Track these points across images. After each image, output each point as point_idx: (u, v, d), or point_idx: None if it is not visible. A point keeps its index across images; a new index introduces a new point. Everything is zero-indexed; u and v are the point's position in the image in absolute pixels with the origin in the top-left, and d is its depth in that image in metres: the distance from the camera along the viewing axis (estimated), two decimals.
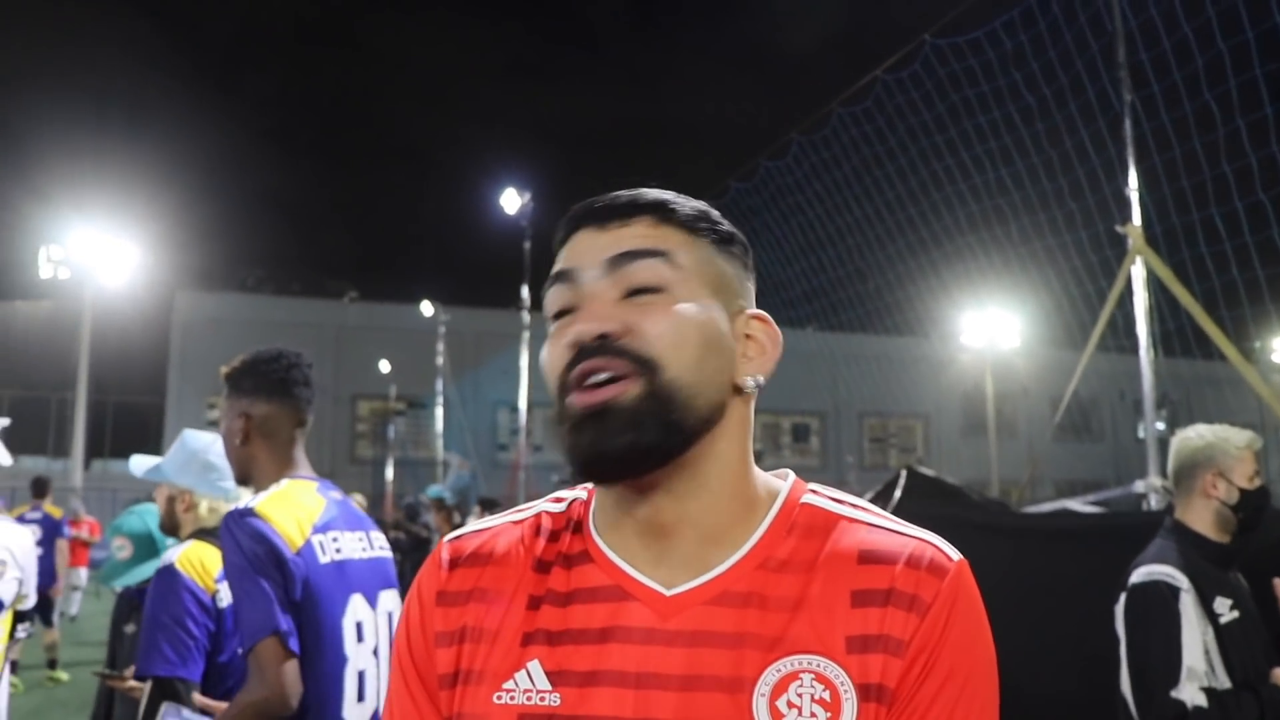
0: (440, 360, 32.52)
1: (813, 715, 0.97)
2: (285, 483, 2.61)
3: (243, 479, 2.72)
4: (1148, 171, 6.23)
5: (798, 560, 1.05)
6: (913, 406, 39.40)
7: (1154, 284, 5.95)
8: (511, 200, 21.97)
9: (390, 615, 2.67)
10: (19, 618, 4.19)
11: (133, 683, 3.00)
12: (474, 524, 1.19)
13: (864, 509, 1.11)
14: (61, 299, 30.85)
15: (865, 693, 0.98)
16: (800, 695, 0.98)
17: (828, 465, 40.58)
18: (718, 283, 1.10)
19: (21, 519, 11.06)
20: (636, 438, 1.00)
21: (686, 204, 1.12)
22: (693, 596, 1.04)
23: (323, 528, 2.53)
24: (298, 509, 2.52)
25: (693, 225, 1.10)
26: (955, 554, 1.06)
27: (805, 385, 35.45)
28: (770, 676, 0.98)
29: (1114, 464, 34.09)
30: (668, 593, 1.04)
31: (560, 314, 1.09)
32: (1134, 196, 5.99)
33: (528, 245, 21.64)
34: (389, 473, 33.68)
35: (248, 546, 2.37)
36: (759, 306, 1.16)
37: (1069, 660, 4.15)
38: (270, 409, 2.68)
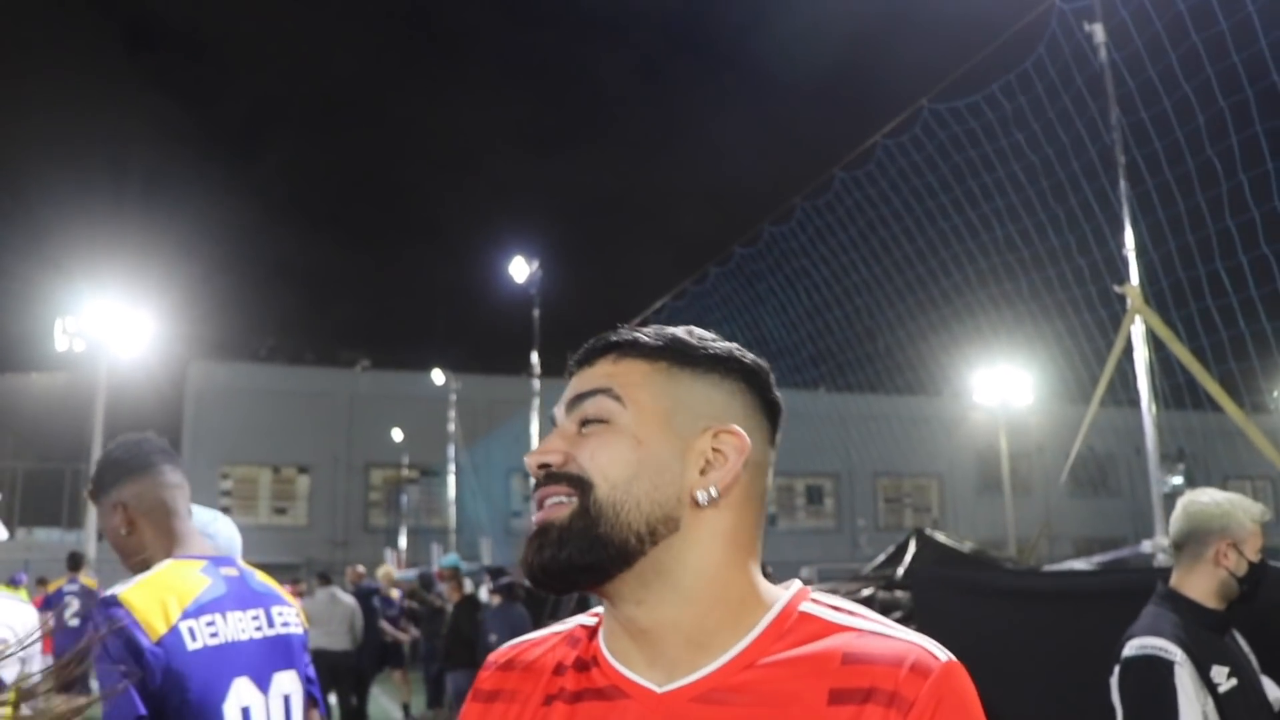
0: (452, 428, 32.55)
1: None
2: (166, 564, 2.55)
3: (141, 566, 2.61)
4: (1152, 226, 6.27)
5: (782, 661, 1.11)
6: (926, 466, 39.20)
7: (1155, 341, 5.96)
8: (520, 269, 22.09)
9: (287, 698, 2.59)
10: (25, 696, 4.16)
11: None
12: (524, 636, 1.35)
13: (861, 616, 1.16)
14: (76, 371, 31.00)
15: None
16: None
17: (842, 526, 40.34)
18: (673, 406, 1.18)
19: (60, 593, 11.16)
20: (557, 553, 1.12)
21: (656, 337, 1.22)
22: (681, 694, 1.13)
23: (196, 611, 2.46)
24: (168, 593, 2.45)
25: (656, 354, 1.20)
26: (944, 654, 1.09)
27: (817, 447, 35.28)
28: None
29: (1132, 520, 33.77)
30: (659, 690, 1.14)
31: None
32: (1131, 257, 6.03)
33: (536, 313, 21.73)
34: (402, 541, 33.57)
35: (108, 639, 2.32)
36: (775, 373, 1.25)
37: None
38: (138, 486, 2.64)
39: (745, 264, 11.34)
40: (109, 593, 2.42)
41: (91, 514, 24.32)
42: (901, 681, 1.05)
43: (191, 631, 2.41)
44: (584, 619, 1.29)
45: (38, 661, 4.13)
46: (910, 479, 42.11)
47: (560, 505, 1.13)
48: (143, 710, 2.27)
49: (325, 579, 13.13)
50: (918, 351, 11.48)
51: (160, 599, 2.41)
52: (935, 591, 5.57)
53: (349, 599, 12.35)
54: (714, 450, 1.16)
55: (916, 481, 42.35)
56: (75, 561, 11.76)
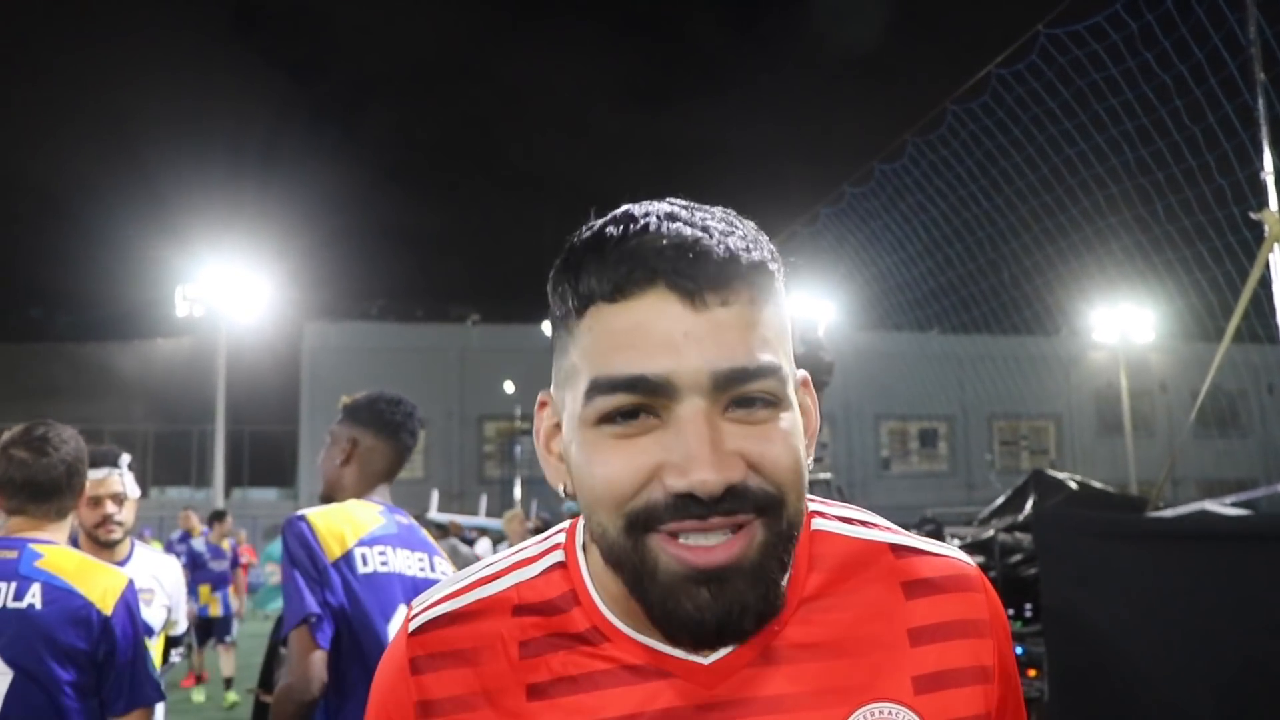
0: None
1: None
2: (350, 501, 2.90)
3: (328, 495, 3.00)
4: None
5: (832, 600, 0.97)
6: (1044, 407, 38.35)
7: None
8: None
9: None
10: (172, 643, 4.38)
11: None
12: (434, 604, 1.02)
13: (875, 525, 1.04)
14: (198, 335, 32.00)
15: None
16: None
17: (957, 470, 39.76)
18: (791, 355, 0.91)
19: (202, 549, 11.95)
20: (765, 592, 0.87)
21: (764, 247, 0.89)
22: (734, 660, 0.93)
23: (370, 541, 2.78)
24: (346, 522, 2.78)
25: (780, 289, 0.90)
26: (970, 560, 1.03)
27: (932, 389, 34.74)
28: None
29: (1264, 462, 32.61)
30: (706, 661, 0.92)
31: (620, 415, 0.85)
32: (1270, 180, 5.69)
33: None
34: (517, 491, 34.09)
35: (292, 546, 2.68)
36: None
37: (1203, 673, 3.93)
38: (376, 444, 3.00)
39: (856, 203, 11.15)
40: (298, 512, 2.77)
41: (218, 473, 25.21)
42: (970, 605, 0.98)
43: (364, 557, 2.74)
44: (519, 575, 1.01)
45: (184, 608, 4.41)
46: (1027, 421, 41.23)
47: (739, 540, 0.84)
48: (314, 608, 2.60)
49: (445, 531, 13.48)
50: (1035, 288, 11.20)
51: (339, 526, 2.76)
52: (1061, 534, 5.40)
53: (468, 550, 12.69)
54: (802, 408, 0.93)
55: (1033, 423, 41.47)
56: (218, 518, 12.99)
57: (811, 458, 0.93)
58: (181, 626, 4.47)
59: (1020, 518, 7.01)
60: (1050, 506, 6.95)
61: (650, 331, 0.83)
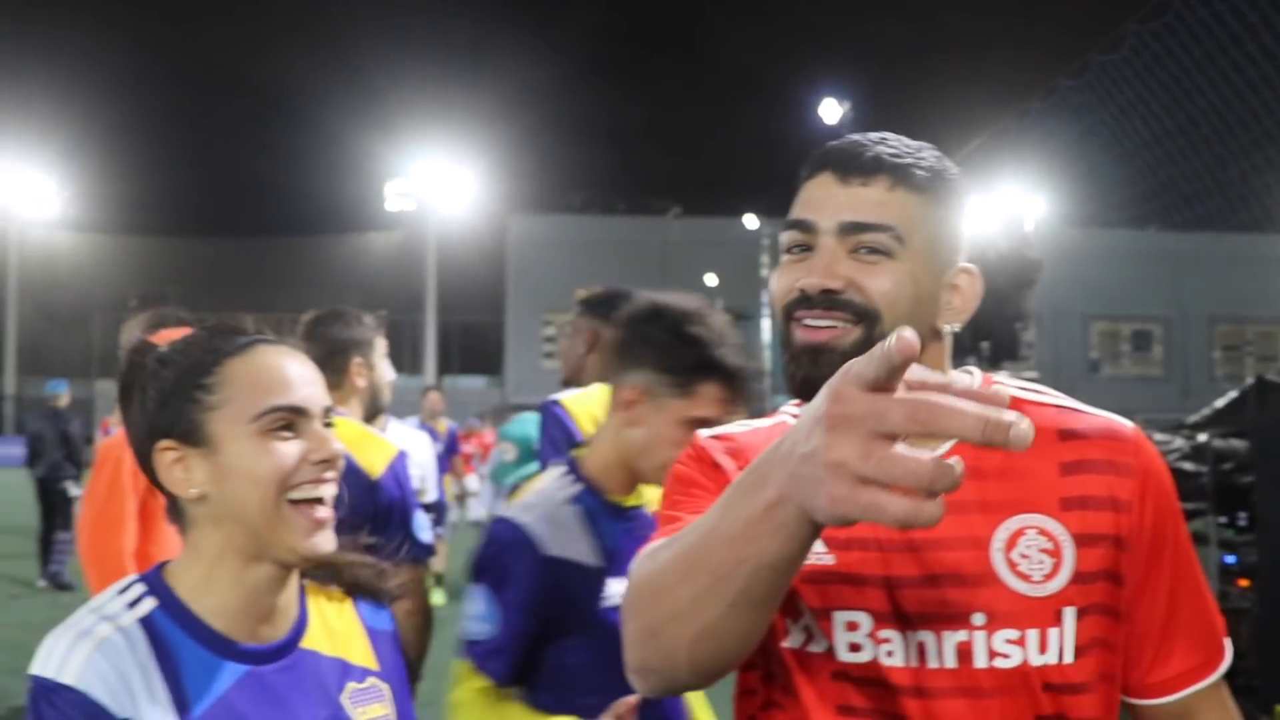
0: (765, 272, 32.72)
1: (1040, 562, 1.20)
2: (597, 386, 3.18)
3: (570, 379, 3.38)
4: None
5: None
6: (1275, 311, 36.14)
7: None
8: (831, 110, 21.75)
9: None
10: (425, 509, 4.87)
11: None
12: (723, 429, 1.38)
13: (1046, 393, 1.34)
14: (408, 229, 33.21)
15: (1082, 540, 1.22)
16: (1029, 546, 1.21)
17: (1172, 375, 38.02)
18: (936, 245, 1.26)
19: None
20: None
21: (922, 165, 1.25)
22: None
23: None
24: (597, 405, 3.04)
25: (925, 188, 1.25)
26: (1131, 424, 1.32)
27: (1147, 289, 33.23)
28: (1001, 534, 1.21)
29: None
30: None
31: (794, 248, 1.27)
32: None
33: None
34: None
35: (550, 428, 3.06)
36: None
37: None
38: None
39: (1070, 96, 10.62)
40: (552, 397, 3.19)
41: (430, 361, 26.40)
42: (1118, 451, 1.26)
43: None
44: (787, 415, 1.38)
45: (434, 478, 4.97)
46: (1253, 325, 38.88)
47: (838, 330, 1.20)
48: None
49: None
50: (1266, 184, 10.50)
51: (591, 407, 3.09)
52: None
53: None
54: (953, 286, 1.28)
55: (1261, 328, 39.07)
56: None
57: (954, 326, 1.29)
58: (431, 495, 5.00)
59: (1239, 426, 6.71)
60: (1274, 416, 6.63)
61: (816, 197, 1.26)
